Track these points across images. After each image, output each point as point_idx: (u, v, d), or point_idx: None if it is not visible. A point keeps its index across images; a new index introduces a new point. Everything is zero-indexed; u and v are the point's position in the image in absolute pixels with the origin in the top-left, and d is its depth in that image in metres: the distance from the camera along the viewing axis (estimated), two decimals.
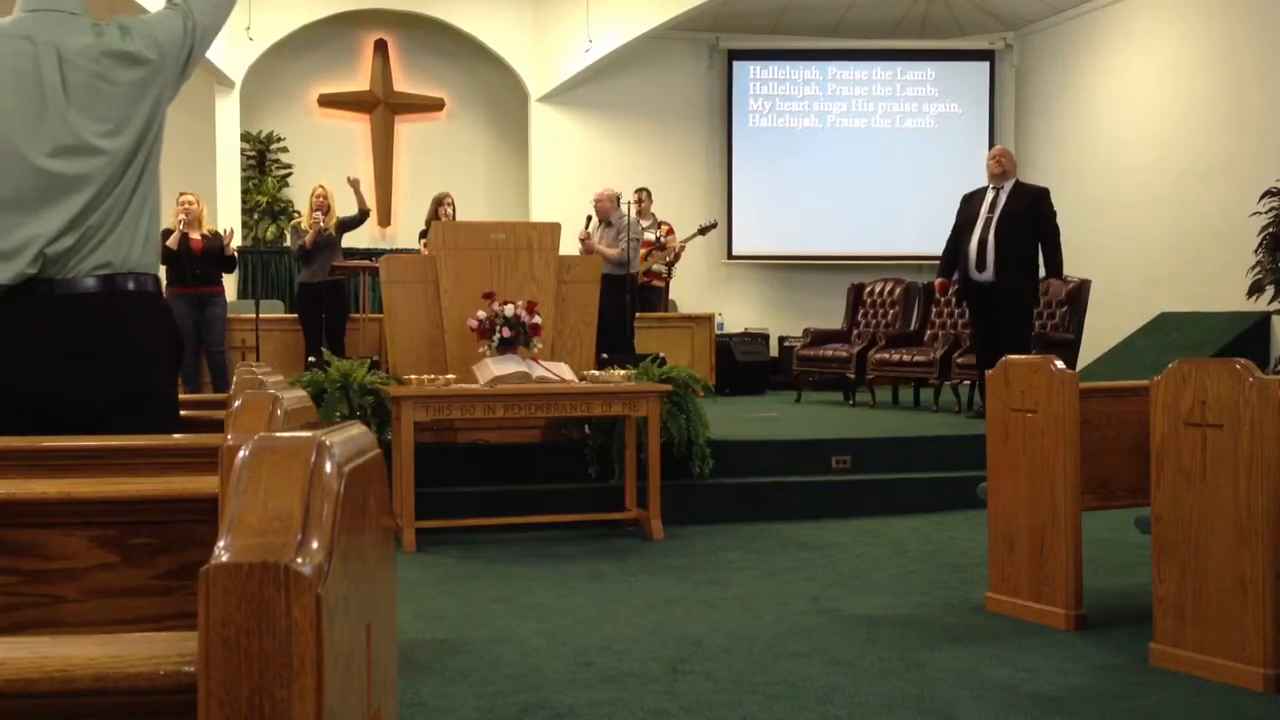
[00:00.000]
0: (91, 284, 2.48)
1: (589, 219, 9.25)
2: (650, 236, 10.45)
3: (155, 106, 2.56)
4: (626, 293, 8.66)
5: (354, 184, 9.17)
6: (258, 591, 0.79)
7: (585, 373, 6.19)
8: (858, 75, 13.47)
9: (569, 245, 6.91)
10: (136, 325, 2.53)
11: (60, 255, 2.45)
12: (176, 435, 2.10)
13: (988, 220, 7.74)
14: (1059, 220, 7.83)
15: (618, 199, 9.21)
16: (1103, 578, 4.77)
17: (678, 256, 11.08)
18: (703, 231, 11.18)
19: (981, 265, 7.73)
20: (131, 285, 2.52)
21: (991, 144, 13.11)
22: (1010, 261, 7.62)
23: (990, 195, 7.84)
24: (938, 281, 8.33)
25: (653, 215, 10.72)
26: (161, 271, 9.06)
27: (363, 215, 9.25)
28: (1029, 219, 7.66)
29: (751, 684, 3.45)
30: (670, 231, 11.00)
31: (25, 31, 2.47)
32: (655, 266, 10.57)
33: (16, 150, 2.44)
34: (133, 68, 2.51)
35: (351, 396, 5.88)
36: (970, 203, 7.97)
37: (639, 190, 10.37)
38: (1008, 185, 7.81)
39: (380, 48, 13.15)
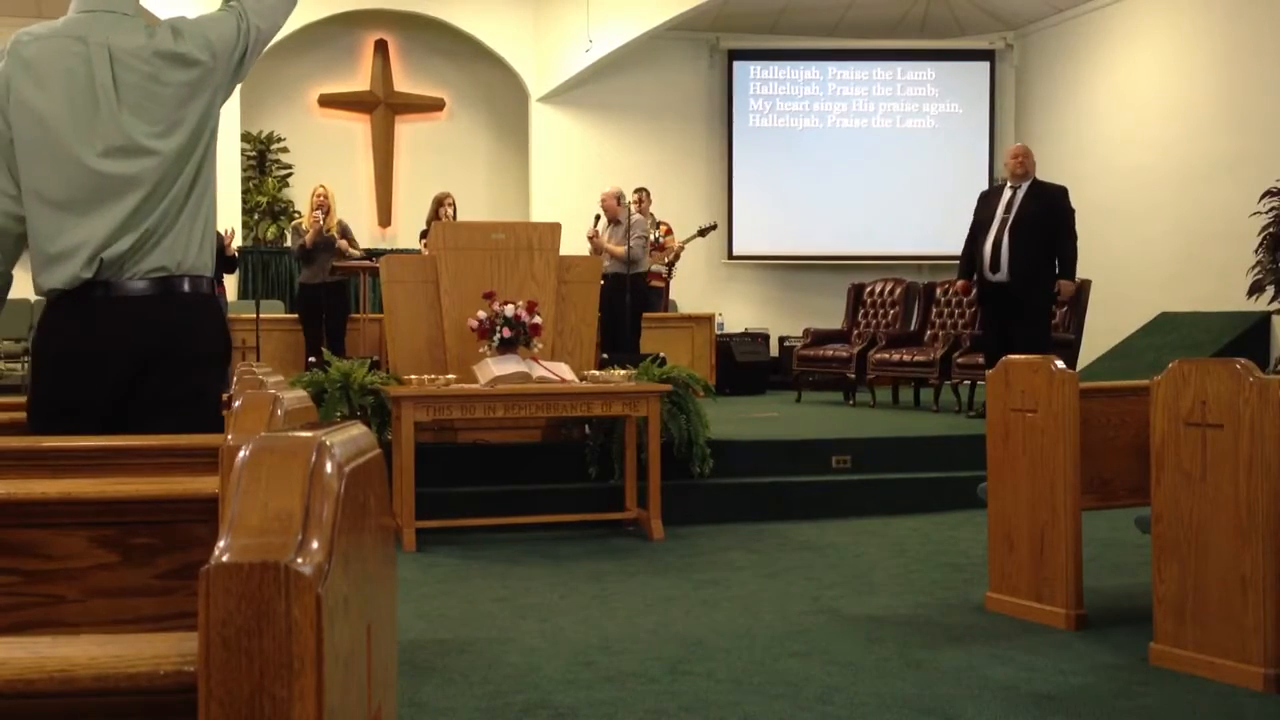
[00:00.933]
0: (146, 287, 2.48)
1: (597, 218, 9.26)
2: (650, 237, 10.45)
3: (208, 108, 2.57)
4: (626, 291, 8.66)
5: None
6: (258, 591, 0.79)
7: (585, 373, 6.19)
8: (858, 75, 13.47)
9: (569, 245, 6.91)
10: (194, 329, 2.54)
11: (117, 258, 2.45)
12: (176, 435, 2.10)
13: (1003, 220, 7.63)
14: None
15: (619, 197, 9.21)
16: (1103, 578, 4.77)
17: (677, 256, 11.09)
18: (702, 233, 11.19)
19: (996, 266, 7.64)
20: (187, 287, 2.53)
21: (992, 144, 13.14)
22: (1025, 262, 7.52)
23: (1007, 194, 7.74)
24: (959, 284, 8.19)
25: (651, 215, 10.72)
26: None
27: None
28: (1046, 219, 7.56)
29: (751, 684, 3.45)
30: (669, 232, 11.01)
31: (78, 32, 2.48)
32: (655, 267, 10.57)
33: (68, 151, 2.44)
34: (184, 69, 2.51)
35: (352, 396, 5.88)
36: (987, 202, 7.89)
37: (638, 190, 10.38)
38: (1025, 184, 7.71)
39: (380, 48, 13.15)
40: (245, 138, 12.62)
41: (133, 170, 2.46)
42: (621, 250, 8.90)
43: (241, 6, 2.64)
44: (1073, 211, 7.71)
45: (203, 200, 2.58)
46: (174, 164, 2.51)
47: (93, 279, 2.45)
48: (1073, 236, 7.67)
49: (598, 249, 9.05)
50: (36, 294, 2.54)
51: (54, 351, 2.51)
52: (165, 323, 2.50)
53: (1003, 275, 7.61)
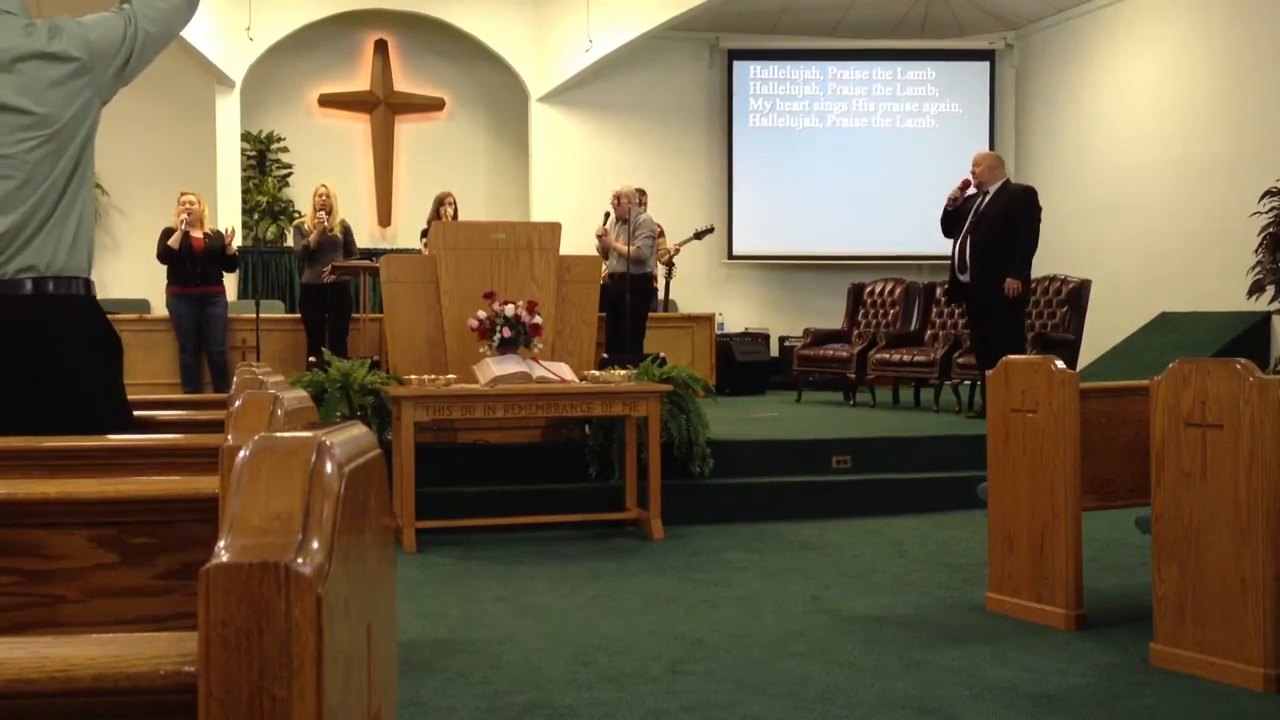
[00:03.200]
0: (13, 286, 2.47)
1: (606, 215, 9.24)
2: (656, 237, 10.43)
3: (84, 107, 2.56)
4: (628, 291, 8.66)
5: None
6: (258, 591, 0.79)
7: (585, 373, 6.19)
8: (858, 75, 13.47)
9: (569, 245, 6.90)
10: (55, 330, 2.51)
11: None
12: (177, 435, 2.10)
13: (972, 223, 7.81)
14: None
15: (633, 197, 9.15)
16: (1103, 578, 4.77)
17: (670, 259, 11.07)
18: (698, 236, 11.17)
19: (963, 267, 7.85)
20: (53, 288, 2.51)
21: (992, 144, 13.13)
22: (988, 263, 7.68)
23: (978, 199, 7.91)
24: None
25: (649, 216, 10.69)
26: (163, 271, 9.13)
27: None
28: (1005, 221, 7.69)
29: (751, 684, 3.45)
30: (661, 234, 10.99)
31: None
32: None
33: None
34: (55, 65, 2.50)
35: (352, 396, 5.88)
36: (964, 206, 8.01)
37: (636, 190, 10.36)
38: (993, 188, 7.85)
39: (380, 48, 13.15)
40: (245, 138, 12.61)
41: None
42: (627, 250, 8.90)
43: (133, 10, 2.64)
44: (1033, 210, 7.77)
45: (75, 201, 2.56)
46: (43, 163, 2.49)
47: None
48: (1025, 235, 7.70)
49: (605, 247, 9.03)
50: None
51: None
52: (19, 323, 2.48)
53: (968, 276, 7.81)
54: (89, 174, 2.61)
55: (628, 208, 8.97)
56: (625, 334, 8.76)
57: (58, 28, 2.54)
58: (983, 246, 7.71)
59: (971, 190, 7.98)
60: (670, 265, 10.97)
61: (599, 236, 9.13)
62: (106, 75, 2.59)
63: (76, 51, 2.53)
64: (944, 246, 8.21)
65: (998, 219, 7.71)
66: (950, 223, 8.02)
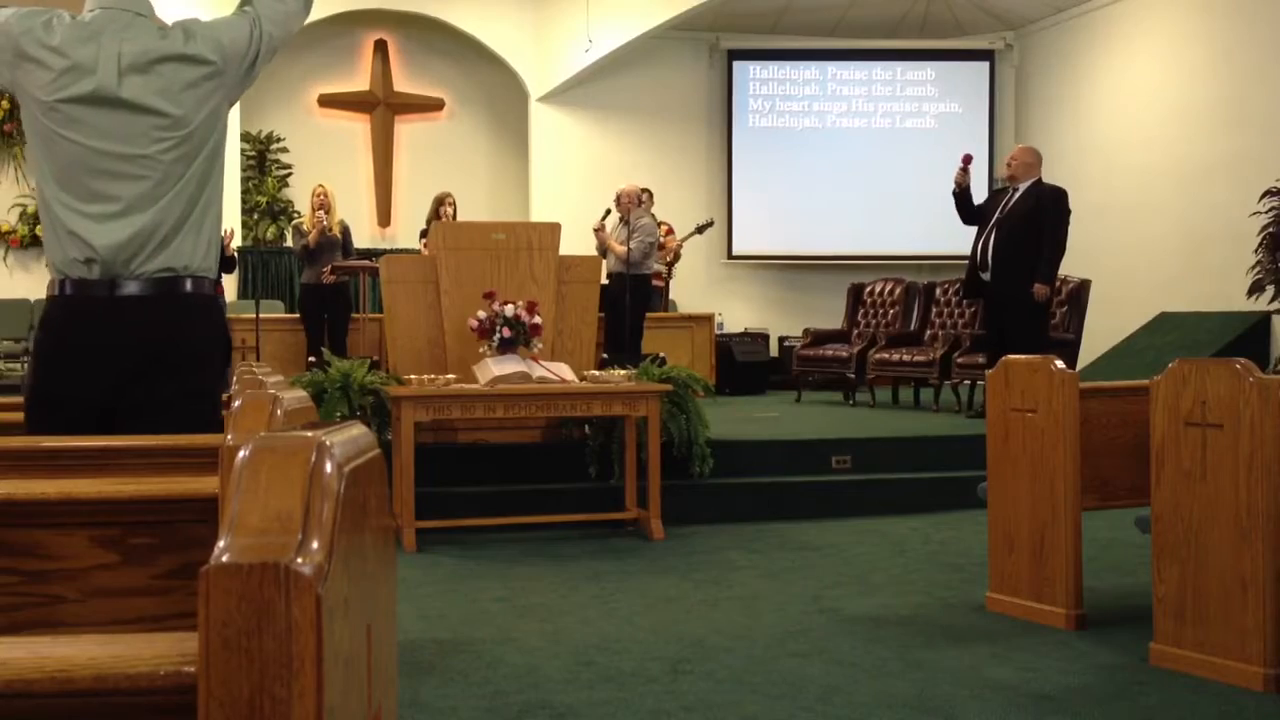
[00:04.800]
0: (150, 287, 2.52)
1: (607, 211, 9.24)
2: (654, 241, 10.44)
3: (217, 108, 2.61)
4: (627, 292, 8.65)
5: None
6: (258, 591, 0.79)
7: (585, 373, 6.18)
8: (858, 75, 13.47)
9: (569, 245, 6.90)
10: (194, 330, 2.57)
11: (122, 258, 2.50)
12: (176, 435, 2.10)
13: (997, 222, 7.67)
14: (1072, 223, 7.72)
15: (638, 198, 9.14)
16: (1103, 578, 4.77)
17: (677, 256, 11.09)
18: (699, 230, 11.18)
19: (985, 265, 7.69)
20: (190, 288, 2.57)
21: (991, 144, 13.13)
22: (1010, 263, 7.52)
23: (1008, 195, 7.77)
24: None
25: (652, 215, 10.70)
26: None
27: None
28: (1033, 220, 7.58)
29: (751, 684, 3.45)
30: (670, 231, 11.01)
31: (94, 29, 2.51)
32: (655, 266, 10.57)
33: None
34: (192, 68, 2.54)
35: (352, 396, 5.88)
36: (992, 201, 7.92)
37: (642, 190, 10.37)
38: (1024, 186, 7.68)
39: (380, 48, 13.15)
40: (245, 138, 12.61)
41: (137, 169, 2.50)
42: (621, 249, 8.89)
43: (256, 12, 2.67)
44: (1063, 214, 7.59)
45: (210, 203, 2.60)
46: (177, 164, 2.52)
47: (97, 277, 2.47)
48: (1054, 239, 7.55)
49: (601, 243, 9.03)
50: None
51: (48, 350, 2.54)
52: (166, 323, 2.52)
53: (989, 274, 7.68)
54: (221, 176, 2.66)
55: (628, 207, 8.97)
56: (624, 334, 8.76)
57: (191, 31, 2.57)
58: (1006, 245, 7.56)
59: (981, 184, 7.90)
60: (672, 264, 10.99)
61: (596, 231, 9.13)
62: (235, 77, 2.64)
63: (211, 54, 2.56)
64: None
65: (1024, 219, 7.54)
66: (965, 208, 7.85)
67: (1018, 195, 7.67)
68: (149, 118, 2.50)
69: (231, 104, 2.69)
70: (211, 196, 2.63)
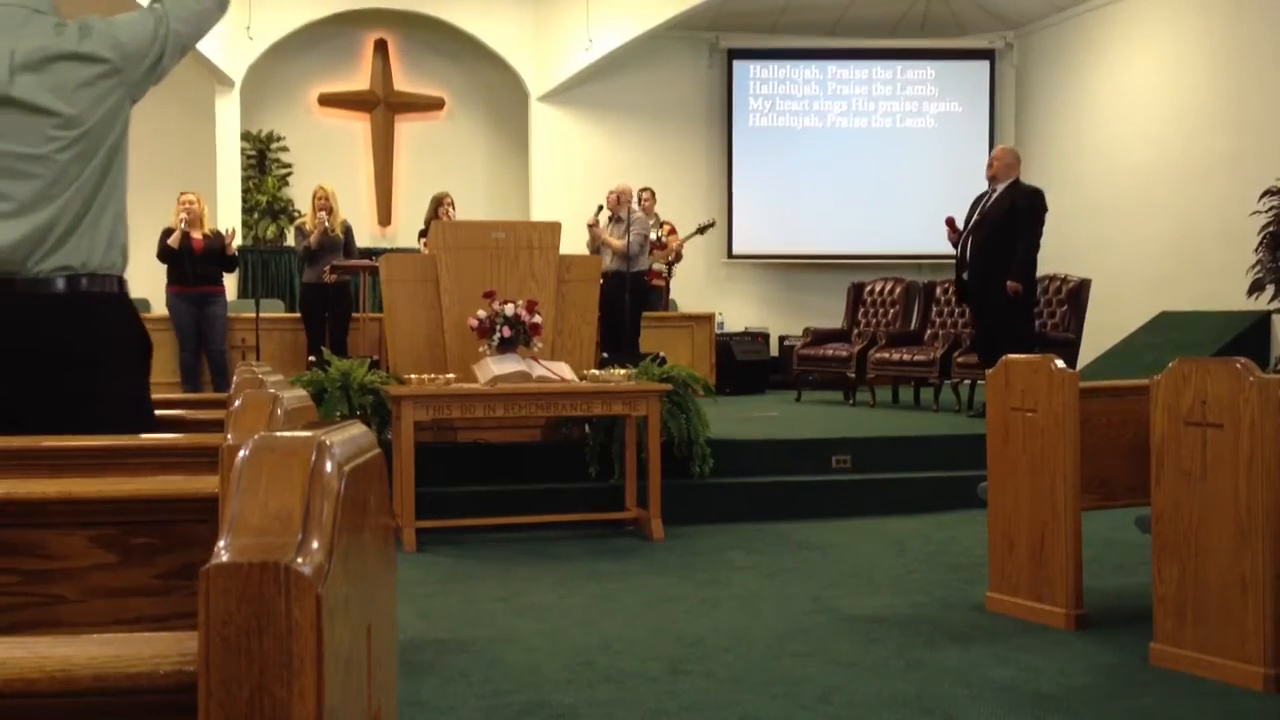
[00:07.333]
0: (48, 285, 2.47)
1: (600, 207, 9.27)
2: (652, 236, 10.46)
3: (115, 106, 2.56)
4: (626, 290, 8.65)
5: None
6: (258, 591, 0.79)
7: (585, 372, 6.18)
8: (858, 75, 13.47)
9: (569, 244, 6.91)
10: (92, 329, 2.51)
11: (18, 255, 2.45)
12: (177, 435, 2.10)
13: (975, 222, 7.79)
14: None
15: (623, 196, 9.18)
16: (1103, 578, 4.77)
17: (678, 256, 11.10)
18: (701, 230, 11.19)
19: (963, 266, 7.84)
20: (88, 285, 2.51)
21: (992, 143, 13.12)
22: (988, 263, 7.64)
23: (988, 197, 7.87)
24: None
25: (655, 215, 10.73)
26: (163, 271, 9.14)
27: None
28: (1008, 220, 7.65)
29: (751, 684, 3.45)
30: (672, 231, 11.02)
31: None
32: (656, 265, 10.58)
33: None
34: (85, 66, 2.50)
35: (351, 396, 5.88)
36: (976, 204, 8.00)
37: (643, 190, 10.41)
38: (1001, 186, 7.80)
39: (380, 47, 13.14)
40: (245, 137, 12.61)
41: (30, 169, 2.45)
42: (620, 244, 8.89)
43: (164, 10, 2.64)
44: (1037, 212, 7.70)
45: (109, 201, 2.55)
46: (74, 164, 2.48)
47: None
48: (1028, 237, 7.64)
49: (595, 239, 9.04)
50: None
51: None
52: (64, 322, 2.48)
53: (968, 274, 7.80)
54: (122, 174, 2.60)
55: (624, 204, 9.00)
56: (623, 333, 8.76)
57: (88, 28, 2.53)
58: (984, 245, 7.67)
59: (981, 186, 7.96)
60: (673, 263, 10.99)
61: (589, 227, 9.15)
62: (136, 75, 2.59)
63: (106, 53, 2.52)
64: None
65: (1000, 219, 7.65)
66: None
67: (995, 196, 7.79)
68: (42, 117, 2.45)
69: (134, 101, 2.63)
70: (111, 193, 2.56)
